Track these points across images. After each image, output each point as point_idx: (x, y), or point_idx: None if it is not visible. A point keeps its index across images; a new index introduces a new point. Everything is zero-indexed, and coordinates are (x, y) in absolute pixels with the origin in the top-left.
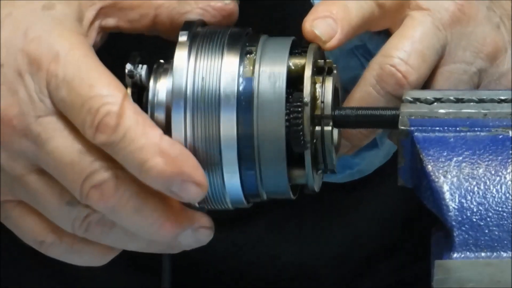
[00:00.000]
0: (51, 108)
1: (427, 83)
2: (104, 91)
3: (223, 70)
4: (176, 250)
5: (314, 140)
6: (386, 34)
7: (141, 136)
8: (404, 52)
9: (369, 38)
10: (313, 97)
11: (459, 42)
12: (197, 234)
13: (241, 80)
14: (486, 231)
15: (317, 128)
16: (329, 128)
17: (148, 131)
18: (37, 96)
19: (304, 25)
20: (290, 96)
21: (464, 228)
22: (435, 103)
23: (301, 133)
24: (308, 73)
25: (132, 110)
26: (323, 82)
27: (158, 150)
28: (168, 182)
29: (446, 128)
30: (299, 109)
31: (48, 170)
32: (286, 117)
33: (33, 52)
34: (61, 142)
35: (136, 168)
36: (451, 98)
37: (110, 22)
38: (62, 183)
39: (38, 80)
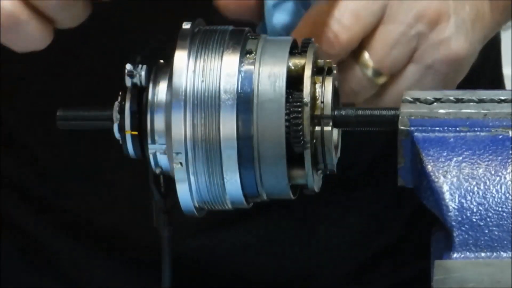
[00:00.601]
0: None
1: (363, 43)
2: None
3: (223, 70)
4: None
5: (314, 140)
6: None
7: None
8: (337, 11)
9: None
10: (313, 97)
11: (401, 4)
12: None
13: (241, 80)
14: (486, 231)
15: (317, 128)
16: (329, 128)
17: None
18: None
19: None
20: (290, 96)
21: (464, 228)
22: (435, 103)
23: (301, 133)
24: (308, 73)
25: None
26: (323, 82)
27: None
28: None
29: (446, 128)
30: (299, 109)
31: None
32: (286, 117)
33: None
34: None
35: None
36: (451, 98)
37: None
38: None
39: None
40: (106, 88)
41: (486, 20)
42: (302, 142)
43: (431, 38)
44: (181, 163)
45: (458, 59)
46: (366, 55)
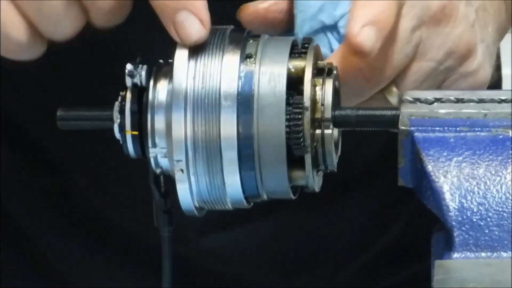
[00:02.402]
0: None
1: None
2: None
3: (223, 71)
4: None
5: (315, 143)
6: None
7: None
8: None
9: (341, 16)
10: (313, 100)
11: (434, 41)
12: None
13: (241, 82)
14: (486, 231)
15: (317, 131)
16: (330, 131)
17: None
18: None
19: (350, 33)
20: (290, 98)
21: (464, 228)
22: (435, 103)
23: (301, 138)
24: (308, 76)
25: None
26: (323, 84)
27: None
28: (175, 8)
29: (446, 128)
30: (300, 115)
31: None
32: (287, 123)
33: None
34: None
35: None
36: (451, 98)
37: None
38: None
39: None
40: (108, 88)
41: (504, 27)
42: (302, 146)
43: (459, 71)
44: (182, 170)
45: (483, 85)
46: (394, 88)
